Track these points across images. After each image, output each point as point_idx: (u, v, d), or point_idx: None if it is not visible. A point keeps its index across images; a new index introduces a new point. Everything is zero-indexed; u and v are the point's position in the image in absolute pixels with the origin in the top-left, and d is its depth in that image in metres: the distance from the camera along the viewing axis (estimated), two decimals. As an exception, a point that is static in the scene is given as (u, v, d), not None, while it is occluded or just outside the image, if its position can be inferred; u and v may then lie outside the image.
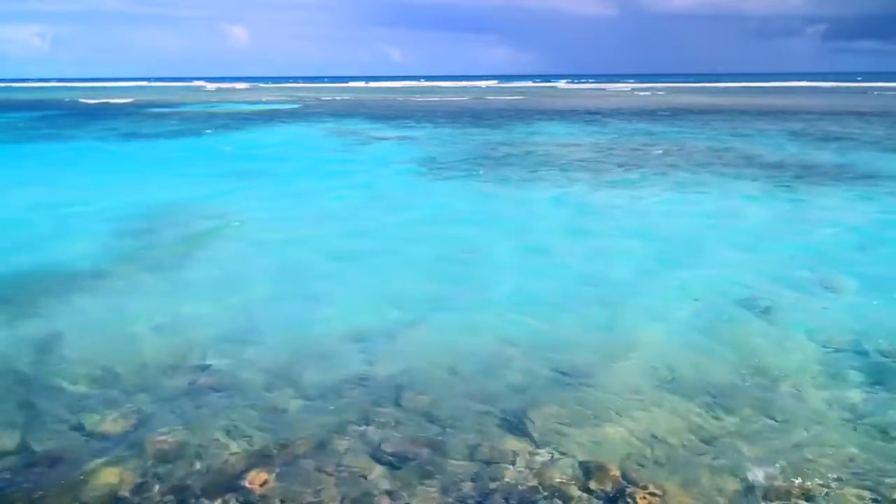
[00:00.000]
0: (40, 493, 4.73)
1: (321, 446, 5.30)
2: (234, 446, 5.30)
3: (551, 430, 5.52)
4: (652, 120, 38.23)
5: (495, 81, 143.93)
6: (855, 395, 6.07)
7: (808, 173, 18.54)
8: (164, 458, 5.14)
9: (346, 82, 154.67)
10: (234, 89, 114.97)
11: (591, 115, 43.01)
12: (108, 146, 26.87)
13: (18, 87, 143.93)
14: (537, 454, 5.18)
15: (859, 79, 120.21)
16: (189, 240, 11.71)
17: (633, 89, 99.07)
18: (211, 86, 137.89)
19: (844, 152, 22.61)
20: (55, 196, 15.92)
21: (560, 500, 4.65)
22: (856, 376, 6.45)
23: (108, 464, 5.04)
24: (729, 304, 8.38)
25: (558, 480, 4.85)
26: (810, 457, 5.11)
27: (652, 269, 9.90)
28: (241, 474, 4.93)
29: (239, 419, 5.70)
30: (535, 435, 5.44)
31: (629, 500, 4.61)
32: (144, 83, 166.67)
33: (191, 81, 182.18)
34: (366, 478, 4.90)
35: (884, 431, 5.46)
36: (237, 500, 4.66)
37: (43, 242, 11.67)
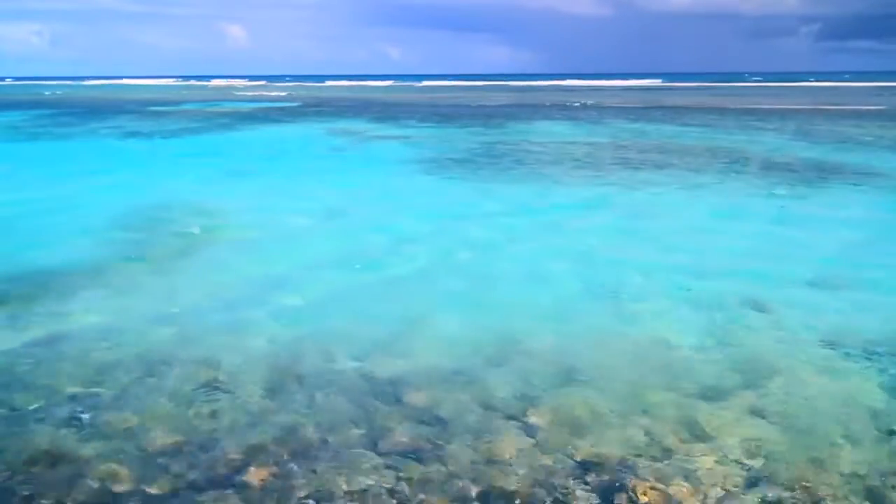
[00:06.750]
0: (39, 489, 4.71)
1: (320, 443, 5.29)
2: (234, 442, 5.28)
3: (552, 426, 5.52)
4: (649, 119, 38.24)
5: (494, 81, 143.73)
6: (857, 395, 6.06)
7: (806, 172, 18.57)
8: (163, 453, 5.13)
9: (345, 80, 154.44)
10: (233, 87, 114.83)
11: (587, 114, 43.04)
12: (108, 144, 26.84)
13: (17, 85, 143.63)
14: (538, 450, 5.17)
15: (847, 77, 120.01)
16: (188, 237, 11.70)
17: (631, 87, 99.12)
18: (210, 84, 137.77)
19: (841, 151, 22.65)
20: (54, 194, 15.90)
21: (561, 495, 4.64)
22: (857, 375, 6.45)
23: (107, 460, 5.03)
24: (728, 302, 8.37)
25: (559, 476, 4.84)
26: (811, 454, 5.11)
27: (651, 268, 9.90)
28: (241, 470, 4.92)
29: (239, 415, 5.69)
30: (535, 431, 5.44)
31: (631, 494, 4.62)
32: (144, 81, 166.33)
33: (189, 80, 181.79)
34: (365, 475, 4.89)
35: (886, 431, 5.47)
36: (236, 496, 4.65)
37: (41, 240, 11.65)
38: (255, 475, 4.87)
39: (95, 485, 4.78)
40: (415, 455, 5.13)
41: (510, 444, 5.27)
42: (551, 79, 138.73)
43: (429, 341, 7.29)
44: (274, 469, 4.95)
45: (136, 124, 36.28)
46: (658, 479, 4.77)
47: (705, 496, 4.62)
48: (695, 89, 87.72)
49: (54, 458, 5.08)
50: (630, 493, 4.63)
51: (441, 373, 6.50)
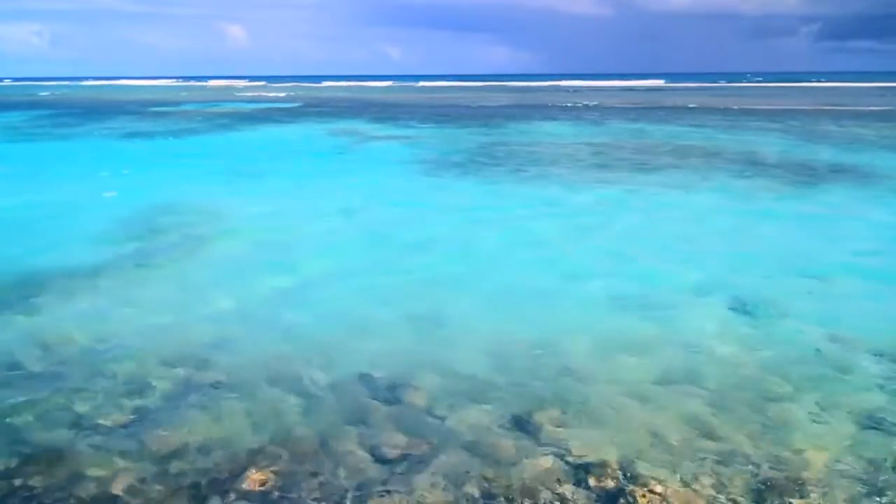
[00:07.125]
0: (39, 488, 4.72)
1: (321, 444, 5.29)
2: (234, 444, 5.29)
3: (551, 428, 5.52)
4: (648, 119, 38.24)
5: (494, 81, 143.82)
6: (856, 394, 6.06)
7: (806, 172, 18.55)
8: (163, 455, 5.14)
9: (345, 81, 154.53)
10: (233, 87, 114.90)
11: (587, 114, 43.05)
12: (109, 145, 26.85)
13: (17, 85, 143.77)
14: (537, 452, 5.17)
15: (848, 77, 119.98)
16: (188, 238, 11.70)
17: (632, 88, 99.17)
18: (210, 84, 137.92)
19: (848, 152, 22.63)
20: (53, 194, 15.92)
21: (560, 498, 4.64)
22: (856, 374, 6.45)
23: (107, 461, 5.04)
24: (728, 301, 8.37)
25: (558, 479, 4.84)
26: (810, 454, 5.10)
27: (651, 268, 9.91)
28: (241, 473, 4.92)
29: (239, 417, 5.70)
30: (534, 433, 5.44)
31: (630, 498, 4.61)
32: (144, 81, 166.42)
33: (189, 80, 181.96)
34: (365, 476, 4.90)
35: (885, 430, 5.46)
36: (236, 499, 4.66)
37: (41, 239, 11.66)
38: (255, 477, 4.87)
39: (95, 486, 4.78)
40: (414, 456, 5.12)
41: (511, 444, 5.27)
42: (551, 79, 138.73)
43: (432, 342, 7.29)
44: (275, 471, 4.95)
45: (137, 125, 36.30)
46: (657, 482, 4.77)
47: (704, 499, 4.61)
48: (696, 90, 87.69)
49: (53, 457, 5.09)
50: (629, 496, 4.62)
51: (444, 373, 6.49)
